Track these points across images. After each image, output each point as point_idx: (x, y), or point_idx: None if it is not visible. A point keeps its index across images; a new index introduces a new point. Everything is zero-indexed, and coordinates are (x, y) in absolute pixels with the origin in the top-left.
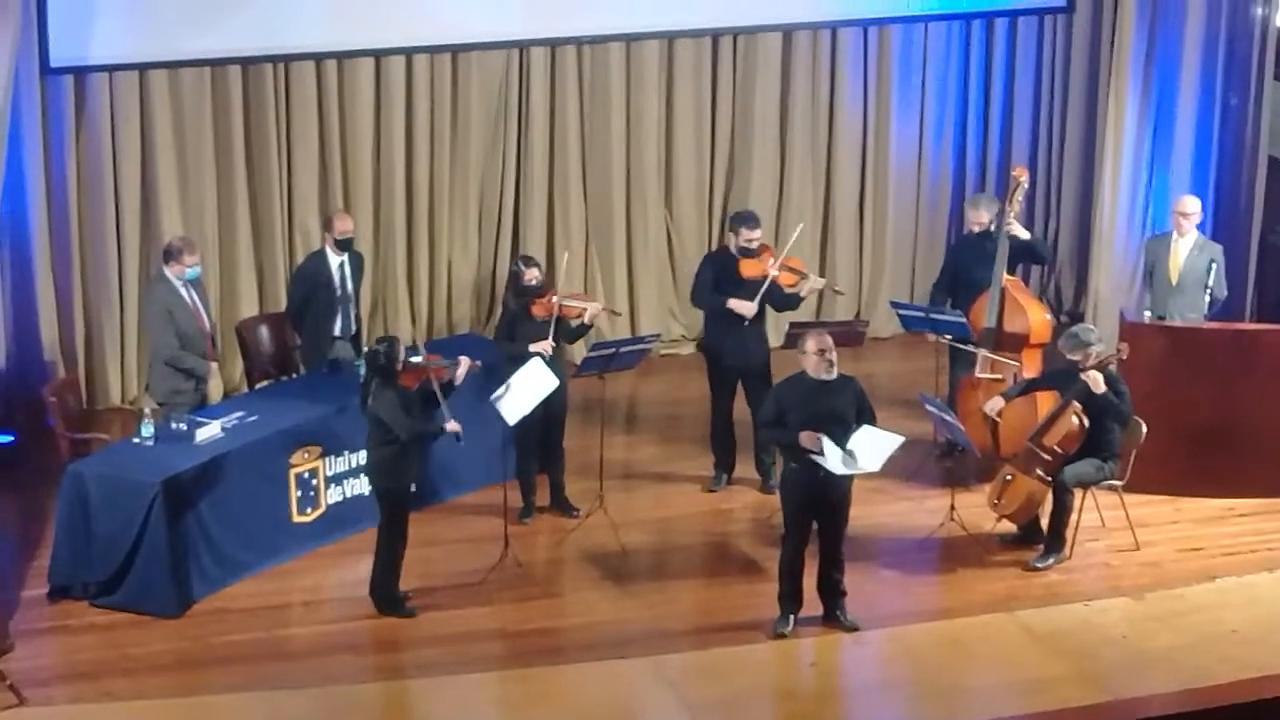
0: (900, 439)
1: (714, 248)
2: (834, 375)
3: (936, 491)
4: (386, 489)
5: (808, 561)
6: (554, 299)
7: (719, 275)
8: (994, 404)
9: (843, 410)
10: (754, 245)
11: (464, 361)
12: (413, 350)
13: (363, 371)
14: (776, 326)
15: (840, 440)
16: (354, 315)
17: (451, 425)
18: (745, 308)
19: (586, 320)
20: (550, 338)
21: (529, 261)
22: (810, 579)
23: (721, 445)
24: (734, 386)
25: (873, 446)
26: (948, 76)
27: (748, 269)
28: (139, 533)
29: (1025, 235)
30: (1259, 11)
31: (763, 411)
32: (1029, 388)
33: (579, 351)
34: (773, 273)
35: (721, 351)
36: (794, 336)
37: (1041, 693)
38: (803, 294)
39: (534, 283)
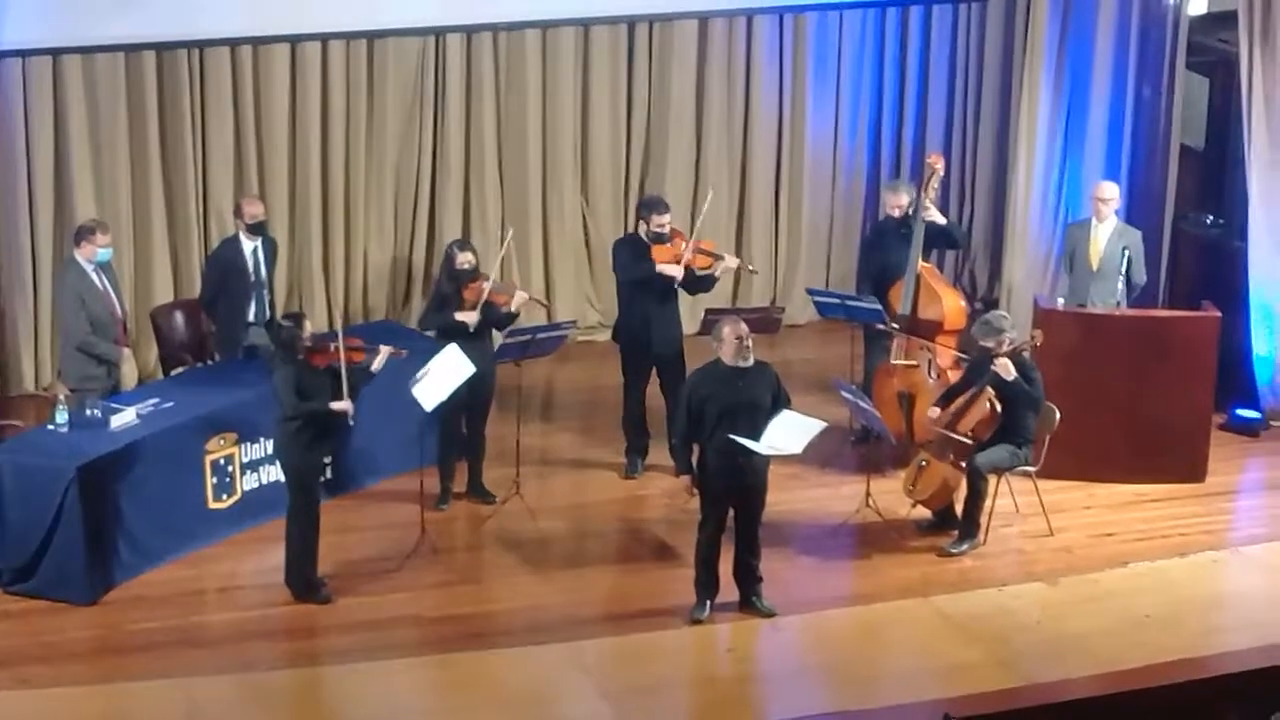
0: (822, 424)
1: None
2: (751, 362)
3: (852, 478)
4: (290, 464)
5: (724, 547)
6: (484, 285)
7: (630, 260)
8: (933, 416)
9: (759, 396)
10: (665, 230)
11: (384, 349)
12: (331, 335)
13: None
14: (691, 312)
15: (758, 426)
16: (268, 301)
17: (338, 405)
18: (675, 270)
19: (514, 309)
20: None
21: (464, 245)
22: (726, 565)
23: (635, 430)
24: (648, 372)
25: (794, 429)
26: (863, 64)
27: (660, 255)
28: (54, 519)
29: (941, 220)
30: (1171, 0)
31: (679, 412)
32: (951, 394)
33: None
34: (686, 257)
35: (636, 336)
36: (710, 323)
37: (956, 677)
38: (717, 274)
39: (467, 266)
